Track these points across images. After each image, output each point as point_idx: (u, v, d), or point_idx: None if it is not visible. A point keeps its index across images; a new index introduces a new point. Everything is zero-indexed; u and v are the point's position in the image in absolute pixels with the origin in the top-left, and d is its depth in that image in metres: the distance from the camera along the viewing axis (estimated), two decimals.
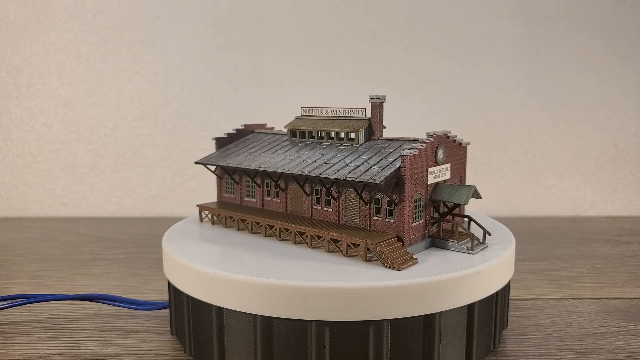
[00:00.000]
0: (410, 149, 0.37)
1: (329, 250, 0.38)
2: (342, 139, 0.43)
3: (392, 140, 0.42)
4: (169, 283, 0.40)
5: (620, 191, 0.87)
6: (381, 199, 0.38)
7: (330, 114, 0.45)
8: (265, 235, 0.42)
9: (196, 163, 0.47)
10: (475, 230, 0.41)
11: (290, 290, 0.32)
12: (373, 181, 0.35)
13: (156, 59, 0.83)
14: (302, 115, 0.47)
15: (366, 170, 0.37)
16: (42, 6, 0.81)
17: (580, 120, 0.85)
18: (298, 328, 0.32)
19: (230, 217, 0.44)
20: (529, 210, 0.87)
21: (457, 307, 0.34)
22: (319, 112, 0.45)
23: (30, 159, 0.85)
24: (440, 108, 0.84)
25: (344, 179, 0.37)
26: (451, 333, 0.34)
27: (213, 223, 0.46)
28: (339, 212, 0.40)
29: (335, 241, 0.37)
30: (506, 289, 0.40)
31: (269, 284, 0.32)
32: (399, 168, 0.36)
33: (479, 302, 0.35)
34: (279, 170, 0.41)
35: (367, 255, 0.36)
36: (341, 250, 0.37)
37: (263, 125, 0.52)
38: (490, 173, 0.86)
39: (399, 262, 0.34)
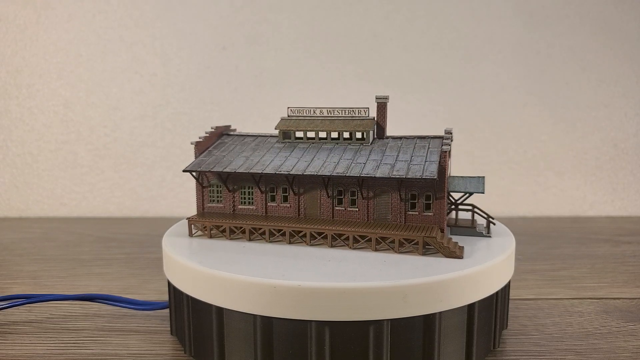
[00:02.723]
0: (444, 145, 0.39)
1: (375, 249, 0.38)
2: (350, 138, 0.43)
3: (400, 138, 0.44)
4: (169, 283, 0.40)
5: (620, 191, 0.87)
6: (418, 194, 0.39)
7: (325, 114, 0.44)
8: (290, 242, 0.39)
9: (185, 171, 0.42)
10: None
11: (289, 290, 0.31)
12: (427, 177, 0.37)
13: (156, 59, 0.83)
14: (289, 116, 0.45)
15: (408, 168, 0.38)
16: (42, 6, 0.81)
17: (580, 120, 0.85)
18: (298, 328, 0.32)
19: (237, 227, 0.41)
20: (529, 210, 0.87)
21: (457, 307, 0.34)
22: (311, 112, 0.44)
23: (30, 159, 0.85)
24: (440, 108, 0.84)
25: (392, 176, 0.37)
26: (451, 333, 0.34)
27: (210, 237, 0.41)
28: (368, 211, 0.40)
29: (384, 239, 0.37)
30: (506, 289, 0.40)
31: (269, 284, 0.32)
32: (439, 163, 0.38)
33: (479, 302, 0.35)
34: (307, 173, 0.39)
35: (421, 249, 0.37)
36: (391, 248, 0.37)
37: (228, 127, 0.50)
38: (490, 173, 0.86)
39: (458, 250, 0.36)
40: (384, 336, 0.32)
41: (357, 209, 0.41)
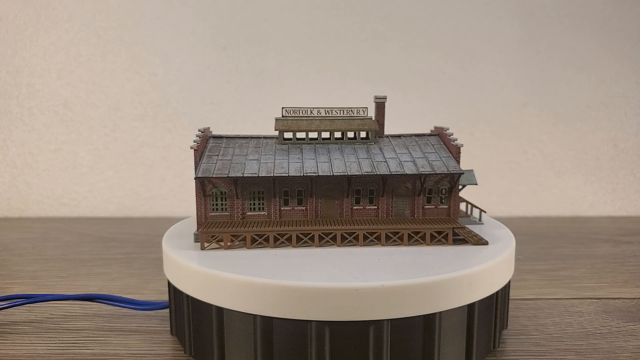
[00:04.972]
0: (454, 141, 0.42)
1: (408, 243, 0.39)
2: (354, 138, 0.44)
3: (399, 136, 0.45)
4: (169, 283, 0.40)
5: (620, 191, 0.87)
6: (433, 188, 0.41)
7: (323, 114, 0.44)
8: (319, 245, 0.38)
9: (197, 178, 0.39)
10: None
11: (289, 290, 0.31)
12: (453, 171, 0.40)
13: (156, 59, 0.83)
14: (283, 116, 0.44)
15: (430, 164, 0.40)
16: (42, 6, 0.81)
17: (580, 120, 0.85)
18: (298, 328, 0.32)
19: (259, 235, 0.38)
20: (529, 210, 0.87)
21: (457, 307, 0.34)
22: (308, 112, 0.44)
23: (30, 159, 0.85)
24: (440, 108, 0.84)
25: (421, 172, 0.39)
26: (451, 333, 0.34)
27: (227, 248, 0.38)
28: (388, 207, 0.41)
29: (416, 233, 0.39)
30: (506, 289, 0.40)
31: (269, 284, 0.32)
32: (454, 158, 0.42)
33: (479, 302, 0.35)
34: (336, 174, 0.39)
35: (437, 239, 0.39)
36: (422, 241, 0.39)
37: (208, 129, 0.47)
38: (490, 173, 0.86)
39: (480, 236, 0.39)
40: (384, 336, 0.32)
41: (376, 207, 0.41)
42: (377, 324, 0.32)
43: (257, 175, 0.39)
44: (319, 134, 0.44)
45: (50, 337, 0.41)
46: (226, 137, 0.46)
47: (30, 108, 0.83)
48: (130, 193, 0.85)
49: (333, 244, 0.39)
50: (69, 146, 0.84)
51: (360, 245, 0.39)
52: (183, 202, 0.85)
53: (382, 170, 0.40)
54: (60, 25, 0.82)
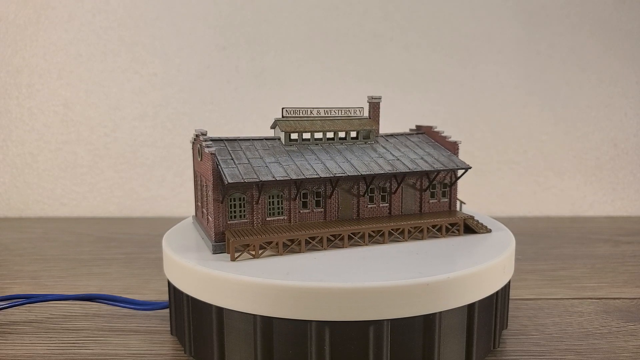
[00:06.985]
0: (448, 138, 0.44)
1: (425, 237, 0.41)
2: (356, 138, 0.44)
3: (392, 135, 0.46)
4: (169, 283, 0.40)
5: (620, 191, 0.87)
6: (436, 184, 0.43)
7: (322, 114, 0.44)
8: (347, 245, 0.38)
9: (231, 183, 0.36)
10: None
11: (289, 290, 0.31)
12: (462, 166, 0.42)
13: (156, 59, 0.83)
14: (283, 117, 0.43)
15: (438, 161, 0.43)
16: (42, 6, 0.81)
17: (580, 120, 0.85)
18: (298, 328, 0.32)
19: (292, 240, 0.37)
20: (529, 210, 0.87)
21: (457, 307, 0.34)
22: (308, 112, 0.44)
23: (30, 159, 0.85)
24: (440, 108, 0.84)
25: (435, 169, 0.41)
26: (451, 333, 0.34)
27: (258, 256, 0.36)
28: (401, 204, 0.43)
29: (434, 226, 0.41)
30: (506, 289, 0.40)
31: (269, 284, 0.32)
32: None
33: (479, 302, 0.35)
34: (363, 173, 0.39)
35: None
36: (438, 233, 0.41)
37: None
38: (490, 173, 0.86)
39: (485, 225, 0.42)
40: (384, 336, 0.32)
41: (388, 204, 0.42)
42: (377, 324, 0.32)
43: (288, 177, 0.38)
44: (323, 135, 0.44)
45: (50, 337, 0.41)
46: (226, 140, 0.44)
47: (30, 108, 0.83)
48: (130, 193, 0.85)
49: (361, 243, 0.39)
50: (69, 146, 0.84)
51: (386, 242, 0.39)
52: (183, 202, 0.85)
53: (401, 167, 0.41)
54: (60, 25, 0.82)
